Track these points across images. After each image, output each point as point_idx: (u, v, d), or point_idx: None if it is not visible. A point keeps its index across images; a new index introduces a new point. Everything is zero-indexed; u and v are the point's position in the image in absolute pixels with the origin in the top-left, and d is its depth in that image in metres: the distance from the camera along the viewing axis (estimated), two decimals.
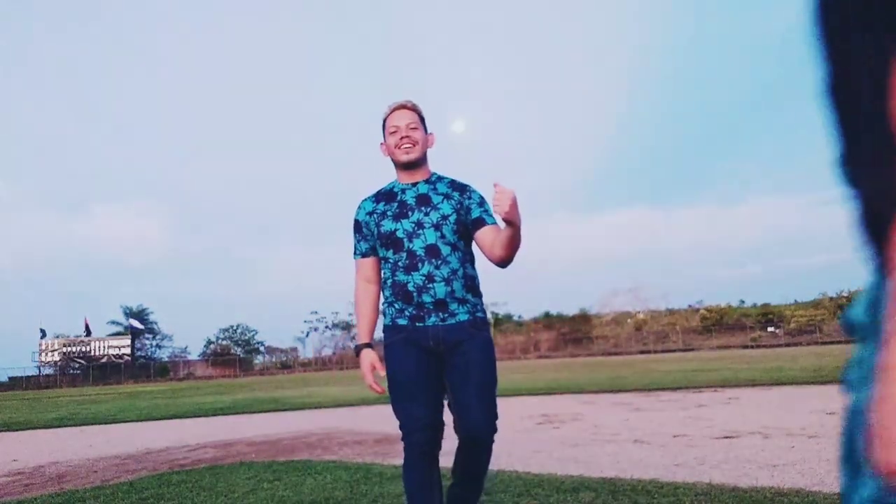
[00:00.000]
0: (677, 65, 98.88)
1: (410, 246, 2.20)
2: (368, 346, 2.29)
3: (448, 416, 2.20)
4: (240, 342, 60.52)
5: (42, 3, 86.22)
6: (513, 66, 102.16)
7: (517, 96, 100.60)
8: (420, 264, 2.17)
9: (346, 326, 58.09)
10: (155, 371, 51.32)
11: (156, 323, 59.05)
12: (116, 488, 4.11)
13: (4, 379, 48.17)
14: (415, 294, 2.17)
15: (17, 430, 9.41)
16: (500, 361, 2.29)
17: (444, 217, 2.22)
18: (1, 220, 78.05)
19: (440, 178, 2.36)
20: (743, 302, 57.85)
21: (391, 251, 2.24)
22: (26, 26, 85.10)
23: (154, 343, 59.05)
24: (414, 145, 2.27)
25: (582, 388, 11.58)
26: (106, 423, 9.75)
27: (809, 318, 47.52)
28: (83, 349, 50.46)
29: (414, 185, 2.31)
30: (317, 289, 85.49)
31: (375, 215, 2.30)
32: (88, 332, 51.78)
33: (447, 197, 2.28)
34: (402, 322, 2.22)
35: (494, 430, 2.17)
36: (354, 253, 2.39)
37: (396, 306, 2.24)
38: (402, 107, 2.30)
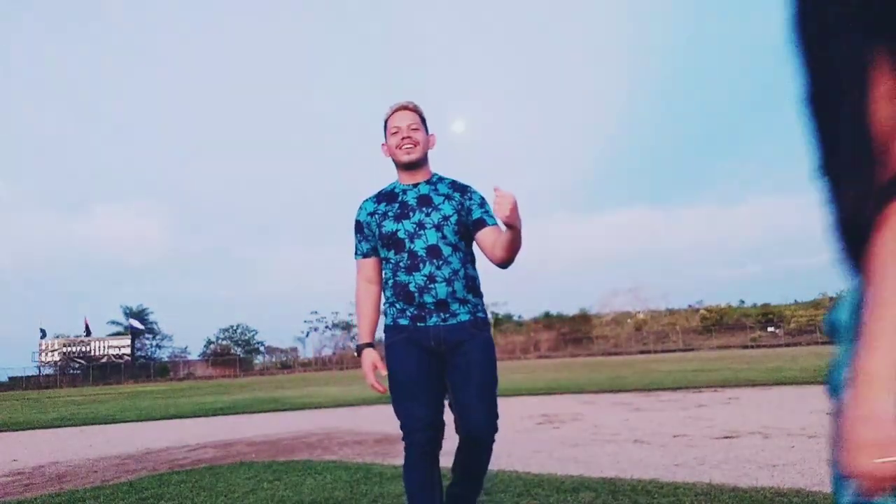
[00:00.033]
0: (677, 65, 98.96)
1: (412, 246, 2.20)
2: (370, 345, 2.30)
3: (448, 416, 2.20)
4: (240, 342, 60.55)
5: (42, 4, 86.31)
6: (513, 66, 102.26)
7: (517, 96, 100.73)
8: (421, 265, 2.18)
9: (346, 326, 58.12)
10: (155, 371, 51.32)
11: (156, 323, 59.16)
12: (116, 488, 4.11)
13: (4, 379, 48.20)
14: (416, 294, 2.18)
15: (17, 430, 9.41)
16: (500, 361, 2.30)
17: (446, 218, 2.23)
18: (1, 220, 78.16)
19: (441, 179, 2.36)
20: (743, 302, 57.96)
21: (392, 252, 2.25)
22: (26, 26, 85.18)
23: (154, 343, 59.15)
24: (415, 146, 2.27)
25: (582, 388, 11.58)
26: (106, 423, 9.75)
27: (809, 318, 47.53)
28: (83, 349, 50.46)
29: (415, 185, 2.31)
30: (317, 289, 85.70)
31: (377, 216, 2.31)
32: (88, 332, 51.79)
33: (448, 198, 2.28)
34: (403, 322, 2.22)
35: (495, 429, 2.18)
36: (355, 253, 2.40)
37: (398, 306, 2.24)
38: (404, 108, 2.31)
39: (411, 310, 2.20)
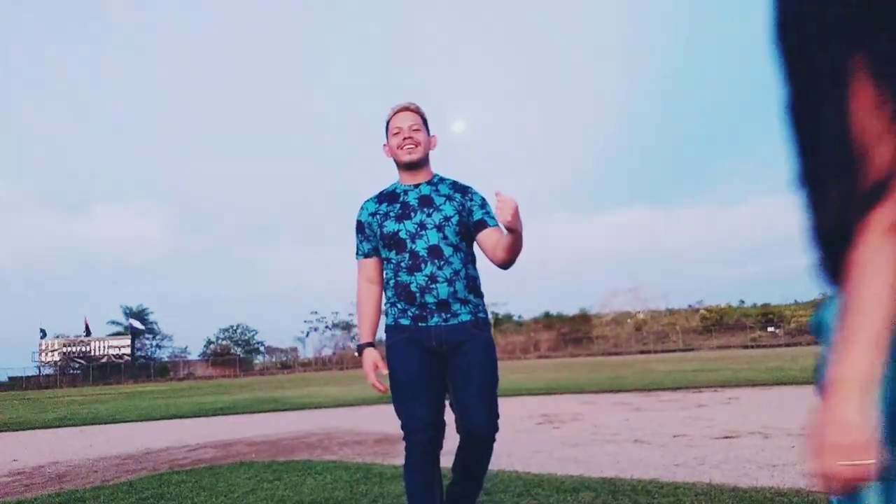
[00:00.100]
0: (677, 65, 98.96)
1: (413, 247, 2.21)
2: (371, 345, 2.30)
3: (449, 416, 2.21)
4: (240, 342, 60.53)
5: (42, 4, 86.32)
6: (513, 66, 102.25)
7: (517, 96, 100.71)
8: (423, 265, 2.19)
9: (346, 326, 58.11)
10: (155, 371, 51.31)
11: (156, 323, 59.12)
12: (116, 488, 4.12)
13: (4, 379, 48.16)
14: (417, 294, 2.18)
15: (17, 430, 9.41)
16: (500, 361, 2.31)
17: (447, 218, 2.24)
18: (1, 220, 78.09)
19: (442, 180, 2.37)
20: (743, 302, 57.90)
21: (394, 252, 2.25)
22: (26, 26, 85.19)
23: (154, 343, 59.11)
24: (416, 146, 2.28)
25: (582, 388, 11.58)
26: (106, 423, 9.76)
27: (809, 318, 47.43)
28: (83, 349, 50.44)
29: (416, 186, 2.32)
30: (317, 289, 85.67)
31: (378, 216, 2.31)
32: (88, 332, 51.78)
33: (449, 198, 2.29)
34: (404, 322, 2.23)
35: (496, 429, 2.19)
36: (357, 253, 2.40)
37: (399, 306, 2.24)
38: (406, 109, 2.32)
39: (413, 310, 2.21)
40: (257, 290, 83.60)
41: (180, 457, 5.61)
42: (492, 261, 2.22)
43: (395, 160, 2.34)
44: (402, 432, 2.20)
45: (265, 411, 10.46)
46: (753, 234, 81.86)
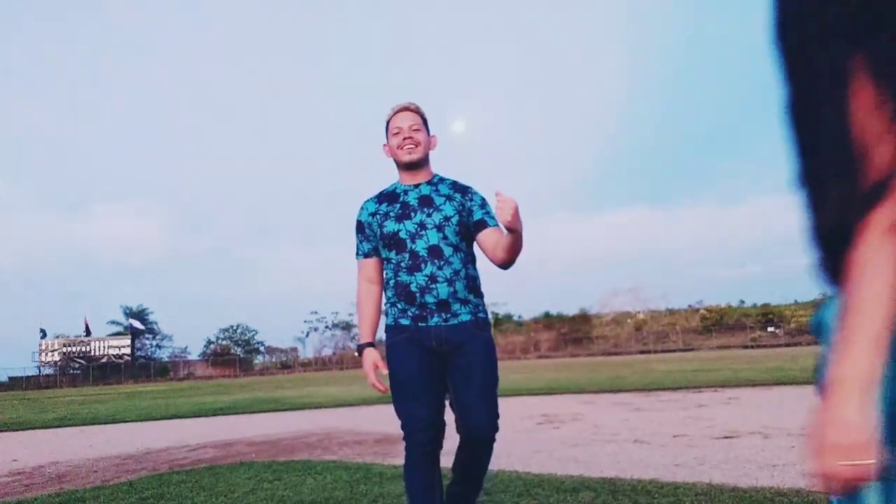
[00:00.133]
0: (677, 64, 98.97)
1: (413, 247, 2.21)
2: (371, 345, 2.30)
3: (449, 416, 2.21)
4: (240, 342, 60.52)
5: (42, 3, 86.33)
6: (512, 66, 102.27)
7: (517, 96, 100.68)
8: (423, 265, 2.19)
9: (347, 326, 58.10)
10: (155, 371, 51.30)
11: (156, 323, 59.09)
12: (116, 488, 4.12)
13: (4, 379, 48.16)
14: (417, 294, 2.18)
15: (17, 430, 9.41)
16: (500, 361, 2.31)
17: (447, 218, 2.24)
18: (1, 220, 78.06)
19: (442, 180, 2.37)
20: (743, 302, 57.87)
21: (394, 252, 2.25)
22: (26, 26, 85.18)
23: (154, 343, 59.09)
24: (416, 146, 2.28)
25: (582, 388, 11.58)
26: (106, 423, 9.76)
27: (809, 318, 47.46)
28: (83, 349, 50.44)
29: (416, 186, 2.32)
30: (317, 289, 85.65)
31: (378, 216, 2.31)
32: (88, 332, 51.77)
33: (449, 198, 2.29)
34: (404, 322, 2.23)
35: (496, 429, 2.19)
36: (357, 253, 2.40)
37: (399, 306, 2.25)
38: (406, 109, 2.32)
39: (413, 310, 2.21)
40: (257, 290, 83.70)
41: (180, 457, 5.61)
42: (492, 261, 2.22)
43: (395, 160, 2.34)
44: (402, 432, 2.20)
45: (265, 411, 10.46)
46: (753, 234, 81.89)
